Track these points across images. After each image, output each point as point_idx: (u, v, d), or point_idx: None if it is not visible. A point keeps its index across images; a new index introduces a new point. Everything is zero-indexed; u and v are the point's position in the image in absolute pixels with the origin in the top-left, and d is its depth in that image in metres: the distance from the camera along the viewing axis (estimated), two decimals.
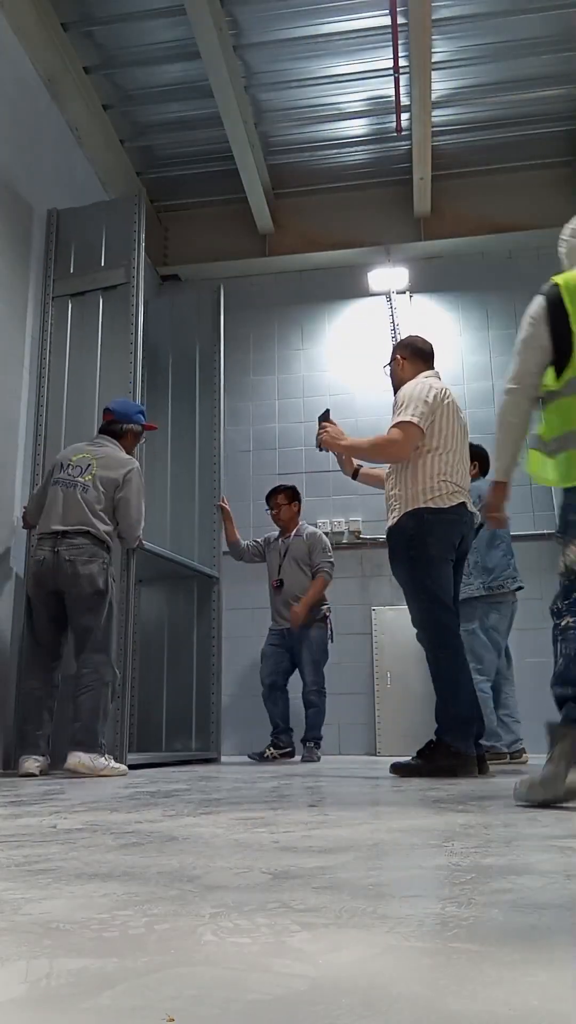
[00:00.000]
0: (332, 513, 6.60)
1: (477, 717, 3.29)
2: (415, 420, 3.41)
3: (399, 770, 3.24)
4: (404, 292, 7.10)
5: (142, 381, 4.61)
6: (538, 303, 2.47)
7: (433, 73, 5.79)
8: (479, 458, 4.51)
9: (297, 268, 7.16)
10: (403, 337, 3.95)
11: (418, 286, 7.09)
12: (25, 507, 4.14)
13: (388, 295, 7.06)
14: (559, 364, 2.40)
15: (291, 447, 6.86)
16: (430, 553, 3.35)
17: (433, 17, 5.24)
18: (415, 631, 3.46)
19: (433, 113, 6.20)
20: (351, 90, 6.09)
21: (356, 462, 4.00)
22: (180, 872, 1.06)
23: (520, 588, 4.62)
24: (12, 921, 0.79)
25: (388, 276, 7.08)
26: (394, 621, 6.14)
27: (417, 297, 7.10)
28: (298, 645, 5.21)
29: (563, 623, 2.30)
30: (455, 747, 3.18)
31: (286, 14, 5.38)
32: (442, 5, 5.29)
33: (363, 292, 7.14)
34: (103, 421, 4.12)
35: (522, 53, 5.73)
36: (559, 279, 2.47)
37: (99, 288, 4.76)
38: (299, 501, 5.47)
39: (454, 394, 3.64)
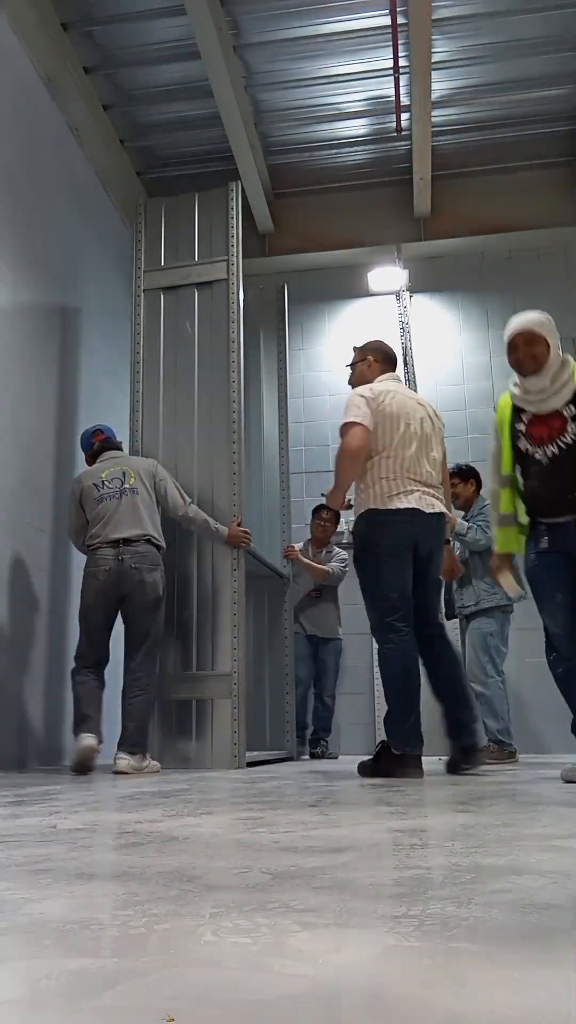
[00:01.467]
0: None
1: (414, 717, 3.23)
2: (355, 419, 3.43)
3: (361, 769, 3.30)
4: (404, 292, 7.10)
5: (241, 379, 4.54)
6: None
7: (433, 73, 5.79)
8: (474, 476, 4.85)
9: (297, 268, 7.15)
10: (369, 340, 3.94)
11: (418, 286, 7.09)
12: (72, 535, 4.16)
13: (397, 293, 7.06)
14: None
15: (292, 447, 6.84)
16: (378, 553, 3.37)
17: (433, 17, 5.24)
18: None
19: (433, 113, 6.20)
20: (351, 90, 6.09)
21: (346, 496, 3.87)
22: (180, 872, 1.06)
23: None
24: (12, 921, 0.79)
25: (391, 276, 7.07)
26: None
27: (417, 297, 7.10)
28: (323, 652, 5.64)
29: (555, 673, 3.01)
30: (395, 748, 3.19)
31: (286, 14, 5.38)
32: (442, 5, 5.29)
33: (363, 292, 7.14)
34: (97, 442, 4.19)
35: (522, 53, 5.73)
36: (502, 397, 3.26)
37: (193, 283, 4.65)
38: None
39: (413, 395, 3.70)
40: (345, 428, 3.46)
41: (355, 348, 3.92)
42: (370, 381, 3.65)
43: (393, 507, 3.36)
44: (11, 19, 4.59)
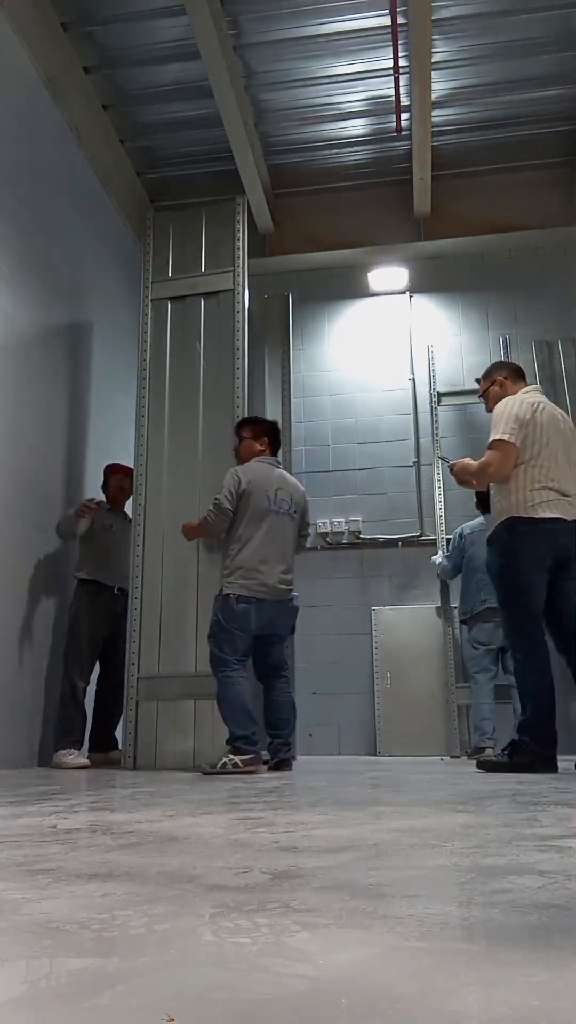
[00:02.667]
0: (332, 513, 6.60)
1: (548, 720, 3.39)
2: (504, 437, 3.53)
3: (484, 765, 3.50)
4: (404, 292, 7.11)
5: (245, 386, 4.64)
6: None
7: (433, 73, 5.79)
8: None
9: (297, 268, 7.15)
10: (493, 362, 4.09)
11: (418, 286, 7.09)
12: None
13: (407, 292, 7.06)
14: None
15: (292, 447, 6.86)
16: (519, 563, 3.47)
17: (433, 17, 5.24)
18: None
19: (433, 113, 6.20)
20: (351, 90, 6.09)
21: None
22: (180, 872, 1.06)
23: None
24: (12, 921, 0.79)
25: (391, 276, 7.08)
26: (394, 621, 6.13)
27: (417, 297, 7.10)
28: None
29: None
30: (532, 747, 3.35)
31: (286, 14, 5.37)
32: (442, 5, 5.29)
33: (363, 292, 7.14)
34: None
35: (522, 53, 5.73)
36: None
37: (200, 294, 4.80)
38: None
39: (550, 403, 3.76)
40: (495, 444, 3.55)
41: (478, 380, 4.06)
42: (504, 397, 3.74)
43: (537, 516, 3.46)
44: (11, 19, 4.59)
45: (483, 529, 4.99)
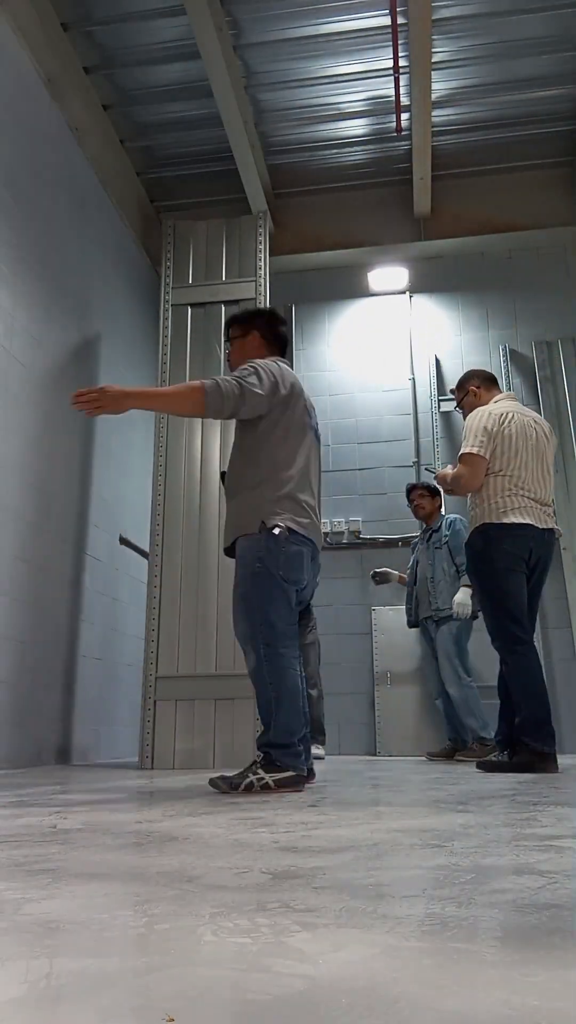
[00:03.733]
0: (332, 513, 6.60)
1: (546, 718, 3.41)
2: (474, 450, 3.61)
3: (483, 766, 3.56)
4: (404, 292, 7.11)
5: None
6: None
7: (433, 73, 5.79)
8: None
9: (297, 268, 7.15)
10: (465, 372, 4.11)
11: (418, 286, 7.09)
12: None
13: (407, 292, 7.07)
14: None
15: None
16: (496, 567, 3.53)
17: (433, 17, 5.24)
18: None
19: (433, 113, 6.20)
20: (351, 90, 6.09)
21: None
22: (180, 872, 1.06)
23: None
24: (12, 921, 0.79)
25: (391, 276, 7.08)
26: (394, 621, 6.13)
27: (417, 297, 7.10)
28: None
29: None
30: (532, 746, 3.37)
31: (286, 14, 5.38)
32: (442, 5, 5.29)
33: (363, 292, 7.15)
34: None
35: (522, 53, 5.73)
36: None
37: (221, 301, 5.01)
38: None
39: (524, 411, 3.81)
40: (464, 458, 3.64)
41: (452, 391, 4.13)
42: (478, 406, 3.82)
43: (507, 521, 3.53)
44: (11, 19, 4.59)
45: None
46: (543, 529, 3.59)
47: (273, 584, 2.62)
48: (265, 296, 4.97)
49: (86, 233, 5.55)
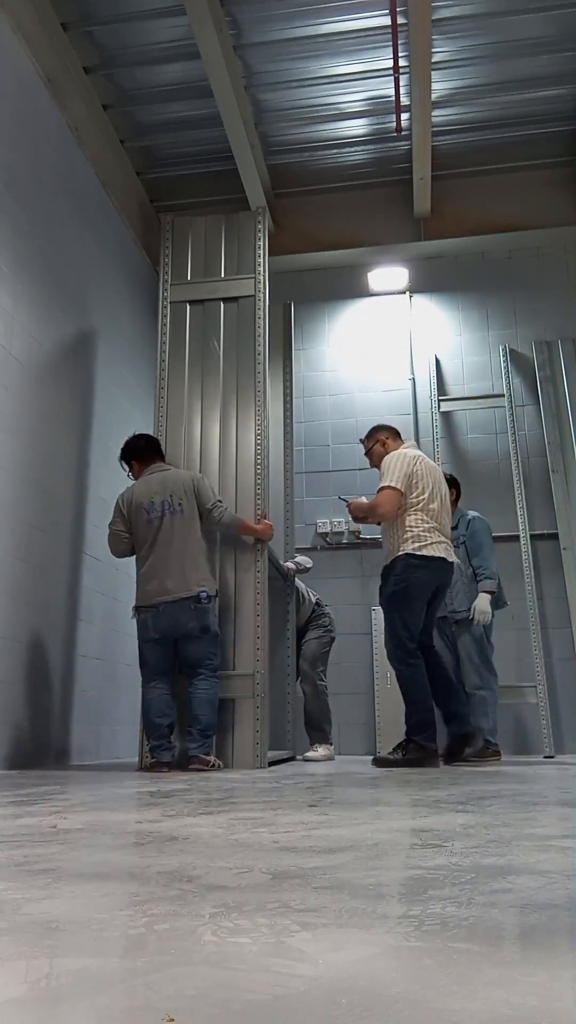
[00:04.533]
0: (332, 513, 6.61)
1: (433, 720, 4.05)
2: (394, 484, 4.19)
3: (379, 761, 4.04)
4: (404, 292, 7.11)
5: (266, 388, 4.84)
6: None
7: (433, 73, 5.79)
8: (455, 484, 5.06)
9: (297, 268, 7.15)
10: (374, 425, 4.71)
11: (418, 286, 7.09)
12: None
13: (407, 292, 7.07)
14: None
15: (293, 447, 6.86)
16: (410, 591, 4.11)
17: (433, 17, 5.24)
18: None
19: (433, 113, 6.20)
20: (351, 90, 6.09)
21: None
22: (180, 872, 1.06)
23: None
24: (12, 921, 0.79)
25: (391, 276, 7.08)
26: None
27: (417, 297, 7.10)
28: None
29: None
30: (421, 743, 3.95)
31: (286, 14, 5.38)
32: (442, 5, 5.29)
33: (363, 292, 7.15)
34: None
35: (522, 53, 5.73)
36: None
37: (220, 298, 4.99)
38: None
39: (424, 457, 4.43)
40: (384, 490, 4.19)
41: (361, 440, 4.70)
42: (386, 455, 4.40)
43: (427, 554, 4.10)
44: (11, 19, 4.59)
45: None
46: (450, 562, 4.18)
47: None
48: (264, 292, 4.91)
49: (86, 233, 5.55)
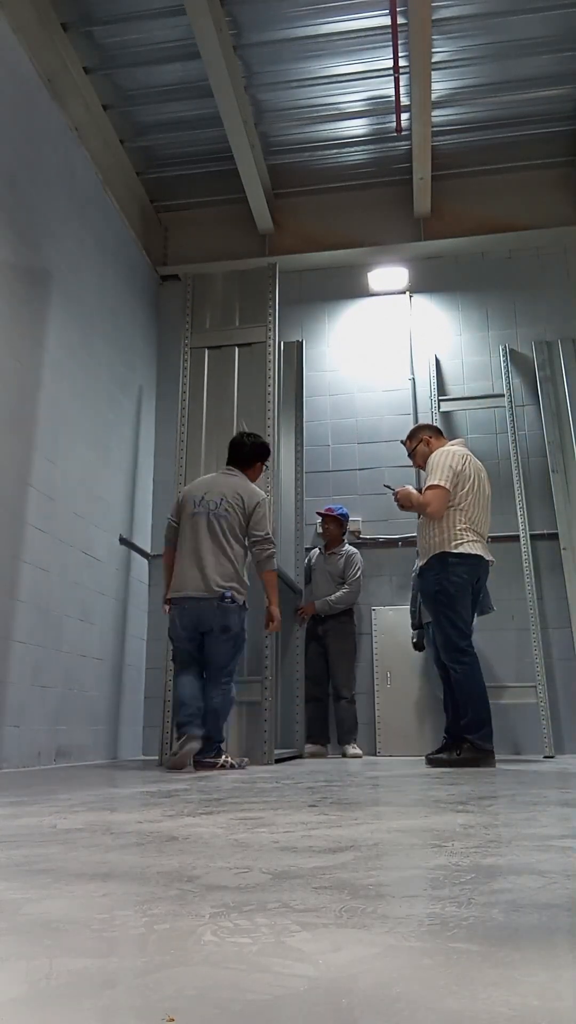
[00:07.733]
0: None
1: (489, 719, 4.02)
2: (442, 483, 4.16)
3: (432, 761, 4.06)
4: (404, 292, 7.10)
5: (276, 424, 5.25)
6: None
7: (433, 73, 5.79)
8: None
9: (297, 268, 7.15)
10: (415, 426, 4.78)
11: (418, 286, 7.09)
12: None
13: (407, 292, 7.07)
14: None
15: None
16: (451, 589, 4.09)
17: (433, 17, 5.24)
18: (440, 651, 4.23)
19: (433, 113, 6.20)
20: (351, 90, 6.09)
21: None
22: (180, 872, 1.06)
23: None
24: (12, 921, 0.79)
25: (391, 276, 7.08)
26: (394, 621, 6.13)
27: (417, 297, 7.10)
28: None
29: None
30: (475, 742, 3.93)
31: (286, 14, 5.38)
32: (442, 5, 5.29)
33: (363, 292, 7.14)
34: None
35: (522, 53, 5.73)
36: None
37: (235, 344, 5.47)
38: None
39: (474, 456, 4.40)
40: (433, 488, 4.17)
41: (403, 442, 4.73)
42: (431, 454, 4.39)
43: (463, 552, 4.10)
44: (11, 19, 4.58)
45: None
46: (487, 560, 4.16)
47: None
48: (275, 339, 5.36)
49: (86, 233, 5.55)
